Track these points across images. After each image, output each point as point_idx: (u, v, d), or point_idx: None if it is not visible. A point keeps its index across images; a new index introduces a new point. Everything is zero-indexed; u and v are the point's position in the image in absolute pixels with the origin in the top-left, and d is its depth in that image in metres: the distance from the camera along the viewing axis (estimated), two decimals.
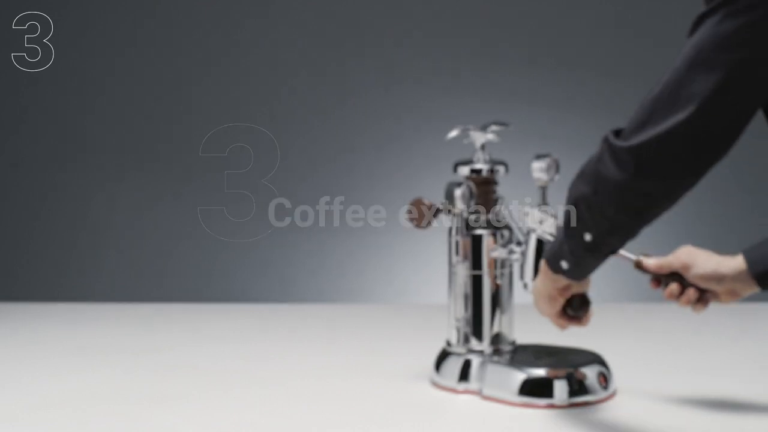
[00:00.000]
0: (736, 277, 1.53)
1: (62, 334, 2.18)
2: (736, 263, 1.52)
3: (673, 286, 1.55)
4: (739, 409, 1.60)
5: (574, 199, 1.44)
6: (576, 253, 1.46)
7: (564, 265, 1.49)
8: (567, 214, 1.46)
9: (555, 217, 1.66)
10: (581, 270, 1.49)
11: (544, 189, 1.67)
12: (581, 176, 1.43)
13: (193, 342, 2.10)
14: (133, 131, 3.64)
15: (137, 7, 3.63)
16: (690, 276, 1.54)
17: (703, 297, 1.56)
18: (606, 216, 1.40)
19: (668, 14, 3.54)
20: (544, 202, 1.67)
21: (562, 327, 1.61)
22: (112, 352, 2.02)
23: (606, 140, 1.39)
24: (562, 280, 1.53)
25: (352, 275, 3.62)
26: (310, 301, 3.53)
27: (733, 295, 1.56)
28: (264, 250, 3.62)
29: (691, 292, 1.55)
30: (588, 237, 1.43)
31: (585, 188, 1.41)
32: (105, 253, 3.66)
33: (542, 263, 1.54)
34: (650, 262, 1.56)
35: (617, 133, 1.39)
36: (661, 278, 1.56)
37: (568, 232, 1.46)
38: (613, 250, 1.46)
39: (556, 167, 1.68)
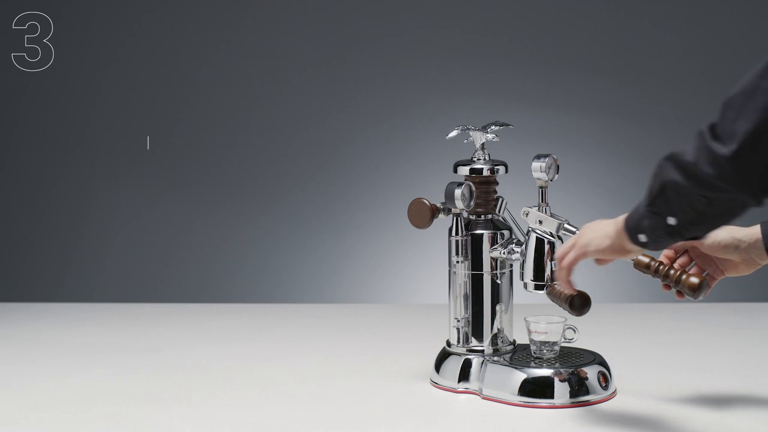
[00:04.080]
0: (752, 245, 1.53)
1: (62, 334, 2.18)
2: (752, 231, 1.52)
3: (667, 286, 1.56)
4: (739, 409, 1.60)
5: (662, 182, 1.39)
6: (657, 232, 1.43)
7: (642, 238, 1.45)
8: (652, 191, 1.41)
9: (554, 217, 1.66)
10: (657, 246, 1.46)
11: (543, 189, 1.67)
12: (672, 160, 1.38)
13: (193, 342, 2.10)
14: (133, 131, 3.64)
15: (137, 7, 3.63)
16: (705, 247, 1.53)
17: (703, 282, 1.55)
18: (695, 208, 1.36)
19: (668, 15, 3.54)
20: (544, 201, 1.67)
21: (566, 285, 1.59)
22: (112, 352, 2.02)
23: (702, 139, 1.33)
24: (630, 246, 1.49)
25: (353, 275, 3.62)
26: (310, 301, 3.53)
27: (752, 265, 1.56)
28: (264, 250, 3.62)
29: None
30: (672, 221, 1.40)
31: (676, 176, 1.37)
32: (105, 253, 3.66)
33: (621, 225, 1.49)
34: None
35: (713, 131, 1.32)
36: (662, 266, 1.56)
37: (651, 208, 1.42)
38: (696, 237, 1.42)
39: (556, 167, 1.68)
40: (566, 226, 1.65)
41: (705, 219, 1.37)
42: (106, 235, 3.66)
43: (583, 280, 1.67)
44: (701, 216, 1.37)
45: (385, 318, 2.33)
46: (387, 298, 3.58)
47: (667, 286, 1.58)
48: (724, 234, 1.54)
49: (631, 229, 1.46)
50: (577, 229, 1.64)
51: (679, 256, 1.62)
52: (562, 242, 1.67)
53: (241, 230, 3.64)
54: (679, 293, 1.56)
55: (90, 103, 3.65)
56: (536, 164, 1.66)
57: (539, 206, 1.67)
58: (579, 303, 1.58)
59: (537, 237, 1.67)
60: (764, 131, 1.27)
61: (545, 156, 1.67)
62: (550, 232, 1.66)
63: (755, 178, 1.29)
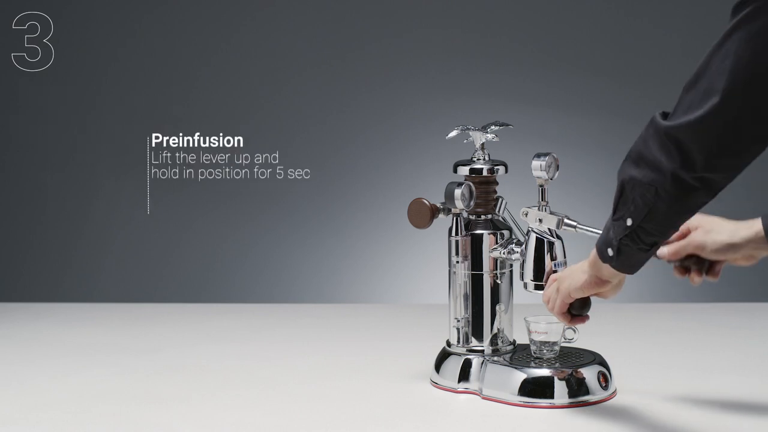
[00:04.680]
0: (750, 244, 1.53)
1: (62, 334, 2.18)
2: (751, 231, 1.52)
3: (678, 271, 1.56)
4: (738, 409, 1.60)
5: (621, 182, 1.40)
6: (618, 238, 1.42)
7: (610, 252, 1.45)
8: (615, 199, 1.42)
9: (554, 214, 1.66)
10: (624, 260, 1.44)
11: (543, 187, 1.67)
12: (628, 158, 1.39)
13: (193, 342, 2.10)
14: (133, 131, 3.64)
15: (137, 7, 3.63)
16: (706, 254, 1.53)
17: (714, 268, 1.56)
18: (646, 201, 1.36)
19: (668, 15, 3.54)
20: (543, 200, 1.67)
21: (566, 322, 1.61)
22: (112, 352, 2.02)
23: (652, 121, 1.36)
24: (604, 271, 1.49)
25: (353, 275, 3.62)
26: (310, 301, 3.53)
27: (751, 259, 1.56)
28: (264, 250, 3.62)
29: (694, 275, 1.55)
30: (629, 222, 1.39)
31: (631, 170, 1.38)
32: (105, 254, 3.66)
33: (593, 251, 1.50)
34: (665, 250, 1.56)
35: (665, 115, 1.35)
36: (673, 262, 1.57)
37: (614, 215, 1.42)
38: (655, 242, 1.41)
39: (555, 166, 1.68)
40: (566, 221, 1.65)
41: (657, 214, 1.37)
42: (106, 235, 3.66)
43: None
44: (652, 211, 1.37)
45: (385, 318, 2.33)
46: (387, 298, 3.58)
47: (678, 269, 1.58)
48: (721, 239, 1.54)
49: (601, 247, 1.47)
50: (577, 222, 1.65)
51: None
52: (562, 242, 1.68)
53: (241, 230, 3.64)
54: (683, 271, 1.56)
55: (90, 103, 3.65)
56: (536, 163, 1.67)
57: (539, 205, 1.67)
58: (578, 304, 1.58)
59: (537, 237, 1.67)
60: (704, 110, 1.29)
61: (545, 155, 1.67)
62: (549, 229, 1.66)
63: (693, 153, 1.30)
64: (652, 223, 1.38)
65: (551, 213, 1.66)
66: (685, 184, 1.33)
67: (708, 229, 1.55)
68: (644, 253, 1.42)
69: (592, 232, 1.61)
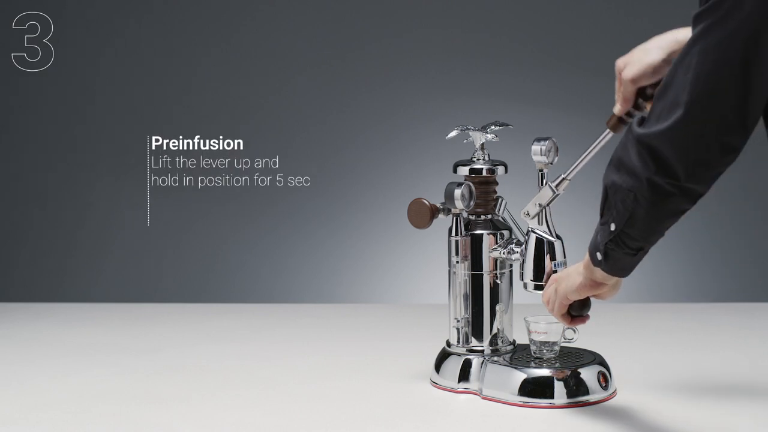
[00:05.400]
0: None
1: (62, 334, 2.18)
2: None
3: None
4: (739, 409, 1.60)
5: (604, 186, 1.41)
6: (604, 242, 1.43)
7: (599, 256, 1.45)
8: (601, 203, 1.43)
9: (543, 186, 1.67)
10: (612, 263, 1.44)
11: (543, 172, 1.68)
12: (610, 163, 1.40)
13: (193, 342, 2.10)
14: (134, 131, 3.64)
15: (137, 7, 3.63)
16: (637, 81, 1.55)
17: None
18: (626, 206, 1.37)
19: (668, 15, 3.54)
20: (543, 184, 1.68)
21: (567, 323, 1.61)
22: (112, 352, 2.02)
23: (629, 127, 1.37)
24: (597, 274, 1.48)
25: (353, 275, 3.62)
26: (310, 301, 3.53)
27: None
28: (264, 250, 3.62)
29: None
30: (613, 227, 1.40)
31: (613, 175, 1.39)
32: (105, 254, 3.66)
33: (587, 253, 1.50)
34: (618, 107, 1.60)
35: (642, 121, 1.36)
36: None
37: (601, 220, 1.43)
38: (641, 247, 1.41)
39: (555, 150, 1.69)
40: (554, 183, 1.66)
41: (637, 220, 1.37)
42: (106, 235, 3.66)
43: None
44: (633, 217, 1.37)
45: (385, 318, 2.33)
46: (387, 298, 3.58)
47: None
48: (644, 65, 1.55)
49: (591, 250, 1.47)
50: (563, 175, 1.65)
51: None
52: (562, 242, 1.68)
53: (241, 231, 3.64)
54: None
55: (90, 103, 3.65)
56: (536, 147, 1.67)
57: (539, 189, 1.68)
58: (578, 304, 1.58)
59: (537, 237, 1.67)
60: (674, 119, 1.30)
61: (545, 139, 1.68)
62: (549, 229, 1.66)
63: (669, 161, 1.31)
64: (634, 228, 1.38)
65: (541, 188, 1.67)
66: (660, 189, 1.33)
67: (628, 61, 1.57)
68: (631, 258, 1.43)
69: (580, 164, 1.63)
